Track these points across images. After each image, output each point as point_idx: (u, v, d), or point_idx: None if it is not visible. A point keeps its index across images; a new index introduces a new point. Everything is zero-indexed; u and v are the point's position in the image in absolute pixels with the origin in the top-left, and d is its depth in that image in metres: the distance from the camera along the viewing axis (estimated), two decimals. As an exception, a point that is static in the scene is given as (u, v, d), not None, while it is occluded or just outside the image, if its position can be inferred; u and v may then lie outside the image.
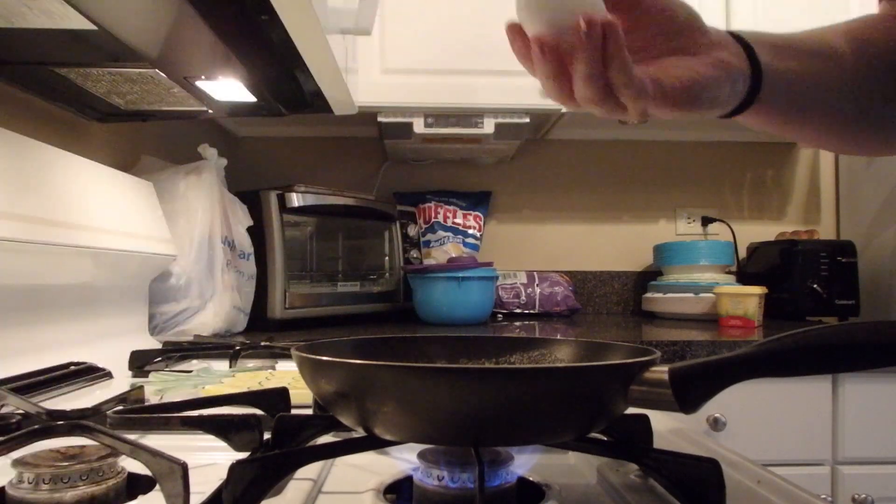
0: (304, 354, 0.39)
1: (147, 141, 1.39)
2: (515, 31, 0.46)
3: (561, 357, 0.52)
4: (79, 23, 0.72)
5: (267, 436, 0.44)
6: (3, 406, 0.55)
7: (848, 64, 0.54)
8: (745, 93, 0.50)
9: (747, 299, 1.42)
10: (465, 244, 1.80)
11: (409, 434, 0.37)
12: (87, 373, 0.77)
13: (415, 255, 1.74)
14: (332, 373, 0.37)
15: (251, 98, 1.02)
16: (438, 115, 1.52)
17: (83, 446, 0.40)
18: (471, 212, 1.84)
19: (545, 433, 0.38)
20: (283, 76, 0.95)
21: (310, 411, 0.53)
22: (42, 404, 0.52)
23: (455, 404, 0.34)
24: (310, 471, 0.41)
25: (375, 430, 0.37)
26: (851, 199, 1.85)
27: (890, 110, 0.56)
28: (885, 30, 0.56)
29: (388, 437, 0.38)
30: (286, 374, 0.74)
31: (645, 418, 0.44)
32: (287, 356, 0.96)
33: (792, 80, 0.52)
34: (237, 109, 1.09)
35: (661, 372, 0.35)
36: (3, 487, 0.37)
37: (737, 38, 0.50)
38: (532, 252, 1.93)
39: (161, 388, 0.70)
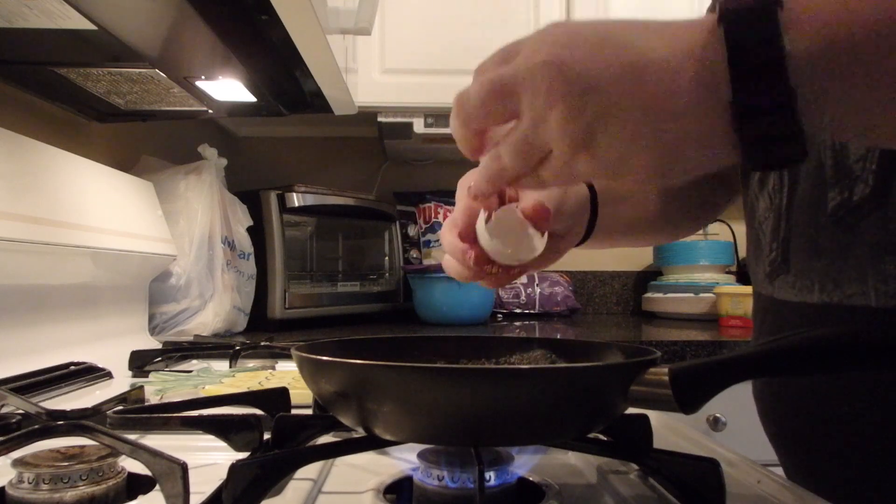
0: (304, 354, 0.39)
1: (147, 141, 1.39)
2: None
3: (561, 357, 0.52)
4: (79, 23, 0.72)
5: (267, 436, 0.44)
6: (3, 406, 0.55)
7: (660, 202, 0.64)
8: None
9: (747, 299, 1.41)
10: (465, 244, 1.80)
11: (409, 434, 0.37)
12: (87, 373, 0.77)
13: (415, 255, 1.74)
14: (332, 373, 0.37)
15: (251, 98, 1.02)
16: (438, 115, 1.52)
17: (83, 446, 0.40)
18: (471, 212, 1.84)
19: (545, 433, 0.38)
20: (283, 76, 0.95)
21: (310, 411, 0.53)
22: (42, 404, 0.52)
23: (455, 404, 0.34)
24: (310, 471, 0.41)
25: (375, 430, 0.37)
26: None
27: (700, 214, 0.70)
28: None
29: (387, 437, 0.38)
30: (286, 374, 0.74)
31: (645, 418, 0.44)
32: (287, 356, 0.96)
33: (618, 222, 0.61)
34: (237, 109, 1.09)
35: (661, 373, 0.35)
36: (3, 487, 0.37)
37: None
38: (532, 252, 1.93)
39: (161, 388, 0.70)
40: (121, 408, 0.54)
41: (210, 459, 0.46)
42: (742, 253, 1.80)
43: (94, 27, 0.73)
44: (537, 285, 1.71)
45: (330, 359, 0.37)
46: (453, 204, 1.86)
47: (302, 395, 0.59)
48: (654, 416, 0.43)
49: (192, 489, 0.34)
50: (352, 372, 0.36)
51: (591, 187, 0.58)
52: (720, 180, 0.67)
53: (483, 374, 0.35)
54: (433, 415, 0.35)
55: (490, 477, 0.38)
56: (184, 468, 0.34)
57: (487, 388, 0.34)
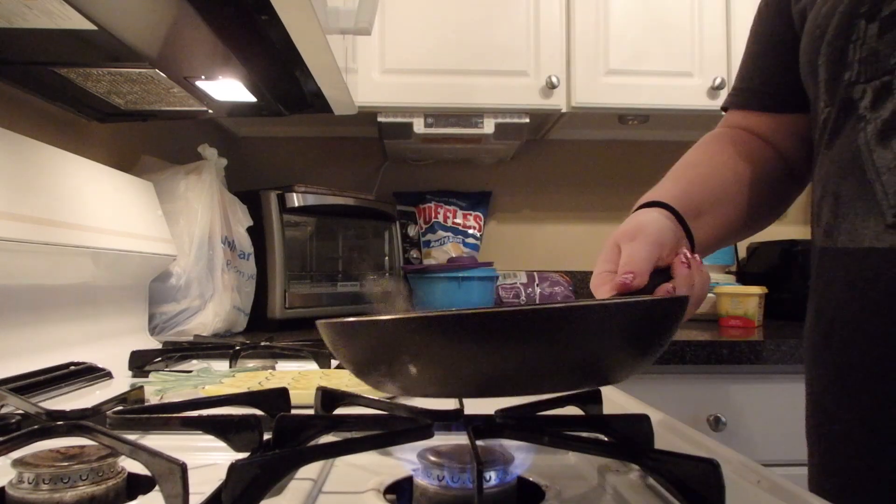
0: (336, 320, 0.41)
1: (147, 141, 1.39)
2: None
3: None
4: (79, 23, 0.72)
5: (267, 436, 0.44)
6: (3, 406, 0.55)
7: (742, 202, 0.69)
8: None
9: (747, 299, 1.41)
10: (465, 244, 1.80)
11: (451, 387, 0.38)
12: (87, 373, 0.77)
13: (415, 255, 1.74)
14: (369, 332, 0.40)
15: (251, 98, 1.02)
16: (438, 115, 1.52)
17: (83, 446, 0.40)
18: (471, 212, 1.84)
19: (612, 371, 0.40)
20: (283, 76, 0.95)
21: (310, 411, 0.53)
22: (42, 404, 0.52)
23: (510, 348, 0.36)
24: (310, 471, 0.41)
25: (412, 387, 0.39)
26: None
27: (776, 207, 0.74)
28: (748, 147, 0.71)
29: (427, 390, 0.39)
30: (286, 374, 0.74)
31: (645, 418, 0.44)
32: (287, 356, 0.96)
33: (708, 234, 0.66)
34: (237, 109, 1.09)
35: None
36: (3, 487, 0.37)
37: (672, 211, 0.61)
38: (532, 252, 1.93)
39: (161, 388, 0.70)
40: (120, 408, 0.54)
41: (210, 459, 0.46)
42: (742, 253, 1.80)
43: (94, 27, 0.73)
44: (537, 285, 1.71)
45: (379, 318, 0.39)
46: (453, 204, 1.86)
47: (302, 396, 0.59)
48: (654, 416, 0.43)
49: (191, 489, 0.34)
50: (389, 328, 0.39)
51: (671, 209, 0.61)
52: (791, 176, 0.73)
53: (539, 314, 0.37)
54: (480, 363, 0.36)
55: (490, 477, 0.38)
56: (183, 468, 0.34)
57: (538, 330, 0.35)
